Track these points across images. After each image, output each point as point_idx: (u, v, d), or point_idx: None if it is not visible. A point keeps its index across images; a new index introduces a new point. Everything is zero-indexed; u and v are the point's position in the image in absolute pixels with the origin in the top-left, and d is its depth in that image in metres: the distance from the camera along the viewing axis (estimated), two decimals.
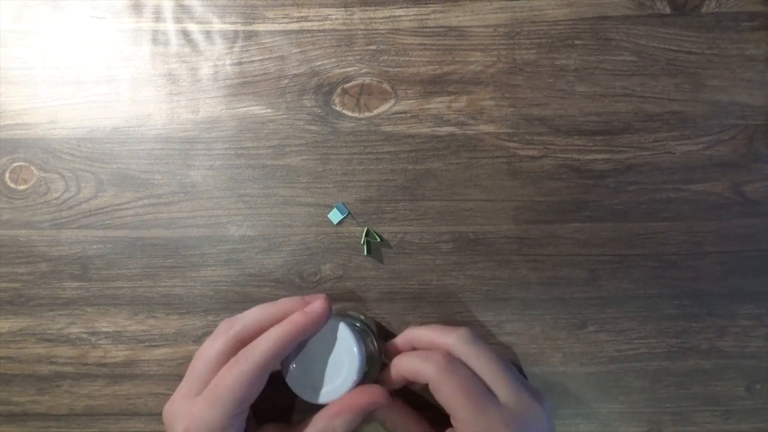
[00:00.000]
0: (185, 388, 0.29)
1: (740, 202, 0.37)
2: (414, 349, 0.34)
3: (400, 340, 0.34)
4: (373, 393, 0.30)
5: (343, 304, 0.37)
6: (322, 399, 0.30)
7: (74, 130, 0.38)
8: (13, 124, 0.38)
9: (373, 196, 0.38)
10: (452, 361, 0.30)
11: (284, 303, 0.31)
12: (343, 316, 0.34)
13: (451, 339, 0.31)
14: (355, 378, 0.30)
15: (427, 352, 0.31)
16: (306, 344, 0.31)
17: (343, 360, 0.30)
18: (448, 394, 0.29)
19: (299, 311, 0.30)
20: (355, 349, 0.30)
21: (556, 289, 0.37)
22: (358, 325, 0.33)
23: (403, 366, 0.31)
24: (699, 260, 0.37)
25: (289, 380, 0.31)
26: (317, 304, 0.30)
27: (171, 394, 0.37)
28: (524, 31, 0.38)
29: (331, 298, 0.35)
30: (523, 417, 0.29)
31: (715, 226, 0.37)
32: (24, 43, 0.39)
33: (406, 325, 0.37)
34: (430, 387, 0.30)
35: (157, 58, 0.38)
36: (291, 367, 0.31)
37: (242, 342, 0.29)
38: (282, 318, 0.30)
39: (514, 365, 0.36)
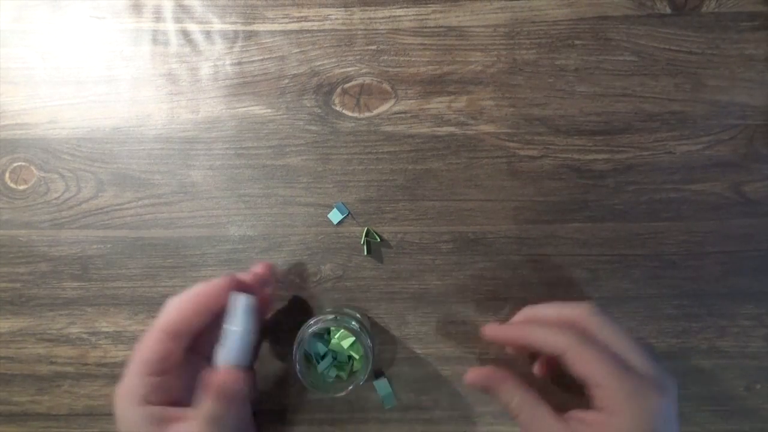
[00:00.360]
0: None
1: (740, 202, 0.37)
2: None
3: (518, 318, 0.34)
4: (229, 376, 0.30)
5: (339, 302, 0.37)
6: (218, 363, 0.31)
7: (74, 130, 0.38)
8: (13, 124, 0.38)
9: (373, 196, 0.38)
10: (586, 334, 0.30)
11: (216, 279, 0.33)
12: (340, 312, 0.34)
13: (582, 310, 0.31)
14: (231, 356, 0.30)
15: (558, 325, 0.31)
16: (232, 318, 0.32)
17: (233, 335, 0.31)
18: (588, 362, 0.29)
19: (204, 281, 0.32)
20: (239, 327, 0.31)
21: (556, 289, 0.37)
22: (354, 323, 0.33)
23: (535, 335, 0.31)
24: (699, 260, 0.37)
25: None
26: (221, 277, 0.32)
27: None
28: (524, 31, 0.38)
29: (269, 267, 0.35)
30: (664, 383, 0.29)
31: (715, 226, 0.37)
32: (24, 43, 0.39)
33: (406, 325, 0.37)
34: (567, 357, 0.29)
35: (157, 58, 0.38)
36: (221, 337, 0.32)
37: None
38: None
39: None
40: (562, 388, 0.36)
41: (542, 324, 0.32)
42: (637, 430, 0.28)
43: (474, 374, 0.32)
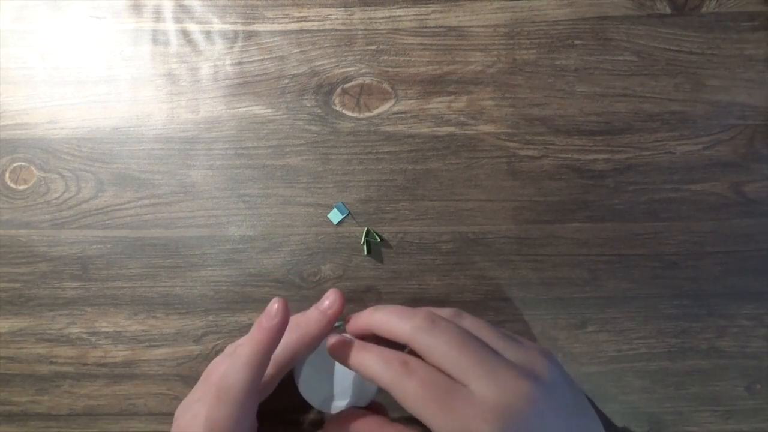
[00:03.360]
0: None
1: (740, 202, 0.37)
2: (375, 336, 0.30)
3: (356, 325, 0.30)
4: (378, 425, 0.28)
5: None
6: (333, 410, 0.30)
7: (74, 130, 0.38)
8: (13, 124, 0.38)
9: (373, 196, 0.38)
10: (409, 362, 0.26)
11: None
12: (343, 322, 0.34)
13: (409, 329, 0.27)
14: (368, 400, 0.30)
15: (384, 351, 0.27)
16: (319, 351, 0.31)
17: (356, 377, 0.30)
18: (409, 401, 0.25)
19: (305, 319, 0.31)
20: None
21: (556, 289, 0.37)
22: None
23: (359, 363, 0.28)
24: (699, 260, 0.37)
25: (300, 385, 0.31)
26: (321, 318, 0.31)
27: (171, 394, 0.37)
28: (524, 31, 0.38)
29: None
30: (508, 404, 0.23)
31: (715, 226, 0.37)
32: (24, 43, 0.39)
33: None
34: (391, 393, 0.26)
35: (157, 58, 0.38)
36: (302, 371, 0.31)
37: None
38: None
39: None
40: None
41: (374, 350, 0.28)
42: None
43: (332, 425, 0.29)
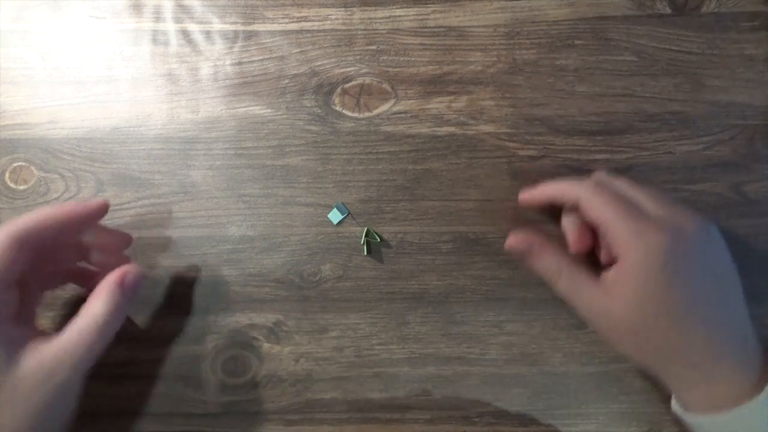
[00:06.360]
0: None
1: (740, 202, 0.37)
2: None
3: (535, 192, 0.35)
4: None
5: (339, 302, 0.37)
6: None
7: (74, 130, 0.38)
8: (13, 124, 0.38)
9: (373, 196, 0.38)
10: (601, 184, 0.32)
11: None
12: None
13: (576, 192, 0.32)
14: None
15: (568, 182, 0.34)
16: None
17: None
18: (598, 206, 0.30)
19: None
20: None
21: None
22: None
23: (551, 188, 0.34)
24: None
25: None
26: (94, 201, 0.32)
27: (171, 394, 0.37)
28: (524, 31, 0.38)
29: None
30: (680, 225, 0.29)
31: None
32: (24, 43, 0.39)
33: (406, 325, 0.37)
34: (581, 205, 0.31)
35: (157, 58, 0.38)
36: None
37: None
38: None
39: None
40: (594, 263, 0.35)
41: (563, 181, 0.34)
42: (646, 268, 0.28)
43: (514, 239, 0.34)
